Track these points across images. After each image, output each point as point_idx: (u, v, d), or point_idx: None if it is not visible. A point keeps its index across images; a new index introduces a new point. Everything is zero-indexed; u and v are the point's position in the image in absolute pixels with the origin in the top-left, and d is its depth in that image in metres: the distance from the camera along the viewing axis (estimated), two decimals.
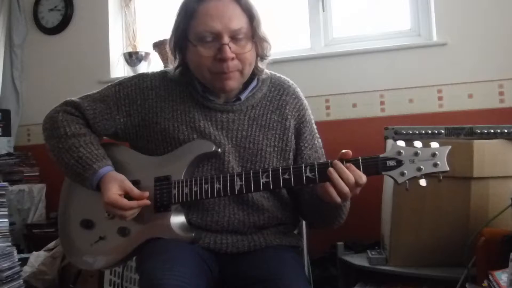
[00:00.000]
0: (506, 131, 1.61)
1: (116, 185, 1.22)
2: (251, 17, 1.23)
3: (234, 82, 1.24)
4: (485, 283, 1.31)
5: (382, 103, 2.40)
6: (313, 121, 1.38)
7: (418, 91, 2.34)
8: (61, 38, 3.03)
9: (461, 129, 1.64)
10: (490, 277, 1.29)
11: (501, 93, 2.24)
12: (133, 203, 1.20)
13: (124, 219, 1.21)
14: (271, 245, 1.27)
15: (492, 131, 1.62)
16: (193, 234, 1.21)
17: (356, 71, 2.43)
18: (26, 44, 3.10)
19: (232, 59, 1.20)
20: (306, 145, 1.32)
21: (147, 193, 1.22)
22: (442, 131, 1.65)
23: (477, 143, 1.58)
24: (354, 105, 2.43)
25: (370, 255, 1.82)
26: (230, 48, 1.19)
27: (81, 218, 1.33)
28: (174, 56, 1.31)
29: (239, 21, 1.21)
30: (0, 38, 2.99)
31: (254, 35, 1.24)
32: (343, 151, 1.11)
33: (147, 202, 1.21)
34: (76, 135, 1.29)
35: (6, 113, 2.96)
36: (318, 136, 1.38)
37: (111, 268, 1.88)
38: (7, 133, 2.93)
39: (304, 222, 1.61)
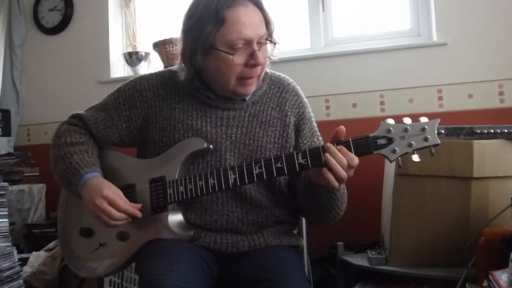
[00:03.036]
0: (506, 131, 1.61)
1: (112, 186, 1.23)
2: (268, 22, 1.25)
3: (254, 87, 1.27)
4: (485, 283, 1.31)
5: (382, 103, 2.40)
6: (313, 119, 1.38)
7: (418, 91, 2.34)
8: (61, 38, 3.03)
9: (461, 129, 1.64)
10: (490, 277, 1.29)
11: (501, 93, 2.24)
12: (128, 207, 1.20)
13: (109, 223, 1.19)
14: (271, 245, 1.27)
15: (492, 131, 1.62)
16: (192, 232, 1.21)
17: (356, 71, 2.43)
18: (26, 44, 3.10)
19: (261, 64, 1.22)
20: (305, 142, 1.32)
21: (139, 206, 1.23)
22: (442, 131, 1.64)
23: (477, 143, 1.58)
24: (354, 105, 2.43)
25: (370, 255, 1.81)
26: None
27: (80, 226, 1.33)
28: (189, 64, 1.25)
29: (263, 27, 1.22)
30: (0, 38, 2.99)
31: (270, 40, 1.25)
32: (338, 128, 1.11)
33: (139, 213, 1.21)
34: (74, 143, 1.31)
35: (6, 113, 2.95)
36: (319, 134, 1.38)
37: (114, 274, 1.87)
38: (7, 133, 2.92)
39: (304, 222, 1.61)
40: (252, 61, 1.20)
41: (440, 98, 2.31)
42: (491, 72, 2.24)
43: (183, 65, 1.28)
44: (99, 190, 1.20)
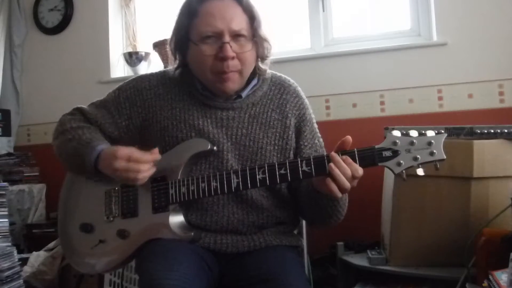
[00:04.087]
0: (506, 131, 1.61)
1: (124, 147, 1.21)
2: (251, 17, 1.24)
3: (233, 84, 1.25)
4: (485, 283, 1.31)
5: (382, 103, 2.40)
6: (314, 121, 1.38)
7: (418, 91, 2.34)
8: (61, 38, 3.03)
9: (461, 129, 1.64)
10: (490, 277, 1.29)
11: (501, 93, 2.24)
12: (147, 155, 1.19)
13: (138, 176, 1.17)
14: (271, 245, 1.27)
15: (492, 131, 1.62)
16: (192, 234, 1.21)
17: (356, 71, 2.43)
18: (26, 44, 3.10)
19: (233, 58, 1.21)
20: (306, 143, 1.32)
21: (156, 150, 1.21)
22: (442, 131, 1.65)
23: (477, 143, 1.58)
24: (354, 105, 2.43)
25: (370, 255, 1.81)
26: (231, 47, 1.20)
27: (80, 222, 1.33)
28: (174, 56, 1.32)
29: (240, 21, 1.22)
30: (0, 38, 2.99)
31: (254, 36, 1.25)
32: (344, 138, 1.10)
33: (159, 156, 1.20)
34: (80, 127, 1.32)
35: (6, 113, 2.96)
36: (320, 135, 1.38)
37: (112, 271, 1.88)
38: (7, 133, 2.93)
39: (304, 222, 1.61)
40: (220, 54, 1.21)
41: (440, 98, 2.31)
42: (491, 72, 2.24)
43: (174, 59, 1.33)
44: (113, 154, 1.19)
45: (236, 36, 1.22)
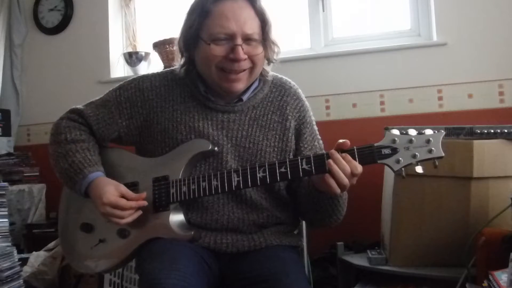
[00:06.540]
0: (506, 131, 1.61)
1: (112, 187, 1.22)
2: (263, 21, 1.24)
3: (241, 84, 1.26)
4: (485, 283, 1.31)
5: (382, 103, 2.40)
6: (314, 123, 1.38)
7: (418, 91, 2.34)
8: (61, 38, 3.03)
9: (461, 129, 1.64)
10: (490, 277, 1.29)
11: (501, 93, 2.24)
12: (132, 203, 1.21)
13: (121, 222, 1.20)
14: (271, 245, 1.27)
15: (492, 131, 1.62)
16: (192, 233, 1.22)
17: (356, 71, 2.43)
18: (26, 44, 3.10)
19: (244, 60, 1.22)
20: (306, 146, 1.32)
21: (144, 194, 1.23)
22: (442, 131, 1.65)
23: (477, 143, 1.58)
24: (354, 105, 2.43)
25: (370, 255, 1.81)
26: (242, 49, 1.20)
27: (81, 222, 1.33)
28: (182, 53, 1.31)
29: (252, 25, 1.22)
30: (0, 38, 2.99)
31: (265, 39, 1.25)
32: (341, 140, 1.11)
33: (145, 202, 1.22)
34: (75, 141, 1.31)
35: (6, 113, 2.96)
36: (319, 137, 1.38)
37: (112, 271, 1.88)
38: (7, 133, 2.93)
39: (304, 222, 1.61)
40: (231, 55, 1.21)
41: (440, 98, 2.31)
42: (491, 72, 2.24)
43: (182, 57, 1.32)
44: (99, 197, 1.21)
45: (248, 38, 1.22)
